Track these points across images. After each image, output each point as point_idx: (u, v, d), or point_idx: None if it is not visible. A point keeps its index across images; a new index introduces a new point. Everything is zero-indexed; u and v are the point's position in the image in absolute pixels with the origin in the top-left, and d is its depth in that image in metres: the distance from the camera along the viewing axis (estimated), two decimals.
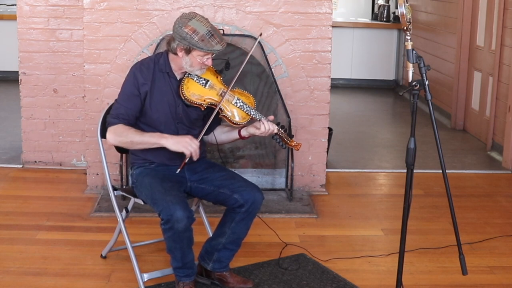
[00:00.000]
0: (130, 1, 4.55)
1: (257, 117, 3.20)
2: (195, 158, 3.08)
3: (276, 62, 4.67)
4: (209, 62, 3.14)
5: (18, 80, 5.19)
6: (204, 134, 3.37)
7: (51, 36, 5.10)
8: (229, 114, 3.20)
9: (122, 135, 3.13)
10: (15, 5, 5.26)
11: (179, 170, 3.13)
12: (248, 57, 3.26)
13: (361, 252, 3.86)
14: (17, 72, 5.17)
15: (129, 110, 3.17)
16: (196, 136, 3.15)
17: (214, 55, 3.14)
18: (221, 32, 4.52)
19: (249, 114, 3.21)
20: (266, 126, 3.16)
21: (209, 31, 3.05)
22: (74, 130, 5.23)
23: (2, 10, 8.91)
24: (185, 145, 3.06)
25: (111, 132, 3.15)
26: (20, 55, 5.13)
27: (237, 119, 3.21)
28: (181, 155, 3.17)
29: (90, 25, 4.57)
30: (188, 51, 3.09)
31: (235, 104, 3.21)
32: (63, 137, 5.26)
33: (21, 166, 5.29)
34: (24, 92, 5.18)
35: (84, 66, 4.66)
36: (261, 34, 3.62)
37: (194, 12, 3.16)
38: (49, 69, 5.15)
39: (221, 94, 3.20)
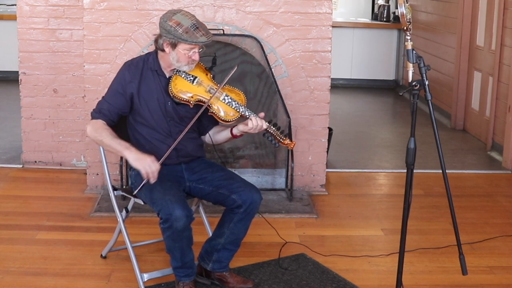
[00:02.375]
0: (130, 1, 4.55)
1: (247, 114, 3.17)
2: (151, 181, 3.03)
3: (276, 62, 4.67)
4: (196, 57, 3.13)
5: (18, 80, 5.19)
6: (200, 135, 3.38)
7: (51, 36, 5.10)
8: (217, 111, 3.17)
9: (97, 131, 3.16)
10: (15, 5, 5.26)
11: (136, 191, 3.12)
12: (234, 70, 3.21)
13: (361, 252, 3.86)
14: (17, 72, 5.17)
15: (111, 107, 3.20)
16: (161, 156, 3.12)
17: (201, 50, 3.13)
18: (222, 31, 4.55)
19: (238, 110, 3.18)
20: (254, 122, 3.14)
21: (193, 24, 3.06)
22: (74, 130, 5.23)
23: (2, 10, 8.91)
24: (144, 164, 3.01)
25: (90, 125, 3.21)
26: (20, 55, 5.13)
27: (225, 115, 3.18)
28: (179, 153, 3.18)
29: (90, 25, 4.57)
30: (174, 46, 3.09)
31: (223, 101, 3.19)
32: (63, 137, 5.26)
33: (21, 166, 5.29)
34: (24, 92, 5.18)
35: (84, 66, 4.66)
36: (238, 65, 3.51)
37: (180, 9, 3.18)
38: (49, 69, 5.15)
39: (209, 90, 3.18)
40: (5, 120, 6.71)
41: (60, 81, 5.17)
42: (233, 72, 3.17)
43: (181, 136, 3.13)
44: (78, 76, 5.12)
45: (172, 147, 3.13)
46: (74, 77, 5.15)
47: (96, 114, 3.21)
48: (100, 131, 3.15)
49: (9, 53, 8.16)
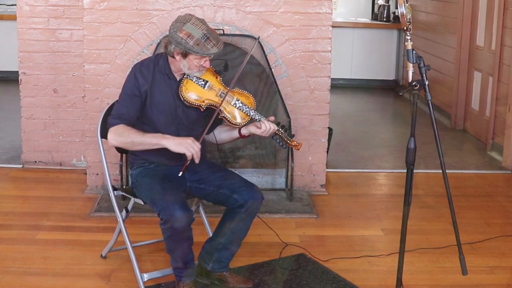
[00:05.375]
0: (130, 1, 4.55)
1: (257, 117, 3.19)
2: (196, 161, 3.05)
3: (276, 62, 4.67)
4: (207, 64, 3.13)
5: (18, 80, 5.19)
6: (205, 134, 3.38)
7: (51, 36, 5.10)
8: (229, 115, 3.20)
9: (123, 135, 3.11)
10: (15, 5, 5.26)
11: (181, 173, 3.10)
12: (247, 58, 3.24)
13: (361, 252, 3.86)
14: (17, 72, 5.17)
15: (131, 111, 3.16)
16: (197, 137, 3.13)
17: (211, 56, 3.13)
18: (222, 31, 4.54)
19: (248, 114, 3.21)
20: (267, 126, 3.16)
21: (204, 35, 3.04)
22: (74, 130, 5.23)
23: (2, 10, 8.91)
24: (187, 146, 3.03)
25: (112, 132, 3.13)
26: (20, 55, 5.13)
27: (236, 120, 3.20)
28: (181, 155, 3.18)
29: (90, 25, 4.57)
30: (184, 55, 3.08)
31: (234, 105, 3.21)
32: (63, 137, 5.26)
33: (21, 166, 5.29)
34: (24, 92, 5.18)
35: (84, 66, 4.66)
36: (259, 37, 3.56)
37: (190, 15, 3.13)
38: (49, 69, 5.15)
39: (220, 95, 3.20)
40: (5, 120, 6.71)
41: (60, 81, 5.17)
42: (245, 62, 3.18)
43: (204, 133, 3.17)
44: (78, 76, 5.12)
45: (205, 132, 3.16)
46: (74, 77, 5.15)
47: (116, 120, 3.13)
48: (126, 133, 3.10)
49: (9, 53, 8.15)
